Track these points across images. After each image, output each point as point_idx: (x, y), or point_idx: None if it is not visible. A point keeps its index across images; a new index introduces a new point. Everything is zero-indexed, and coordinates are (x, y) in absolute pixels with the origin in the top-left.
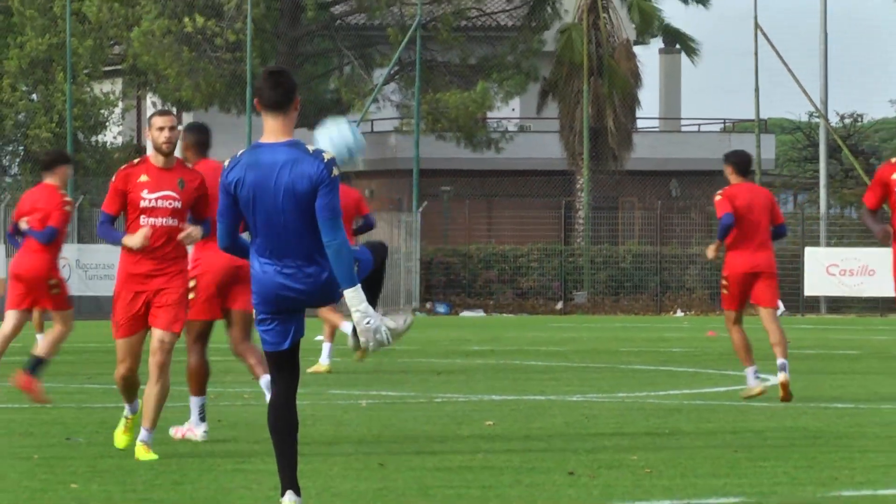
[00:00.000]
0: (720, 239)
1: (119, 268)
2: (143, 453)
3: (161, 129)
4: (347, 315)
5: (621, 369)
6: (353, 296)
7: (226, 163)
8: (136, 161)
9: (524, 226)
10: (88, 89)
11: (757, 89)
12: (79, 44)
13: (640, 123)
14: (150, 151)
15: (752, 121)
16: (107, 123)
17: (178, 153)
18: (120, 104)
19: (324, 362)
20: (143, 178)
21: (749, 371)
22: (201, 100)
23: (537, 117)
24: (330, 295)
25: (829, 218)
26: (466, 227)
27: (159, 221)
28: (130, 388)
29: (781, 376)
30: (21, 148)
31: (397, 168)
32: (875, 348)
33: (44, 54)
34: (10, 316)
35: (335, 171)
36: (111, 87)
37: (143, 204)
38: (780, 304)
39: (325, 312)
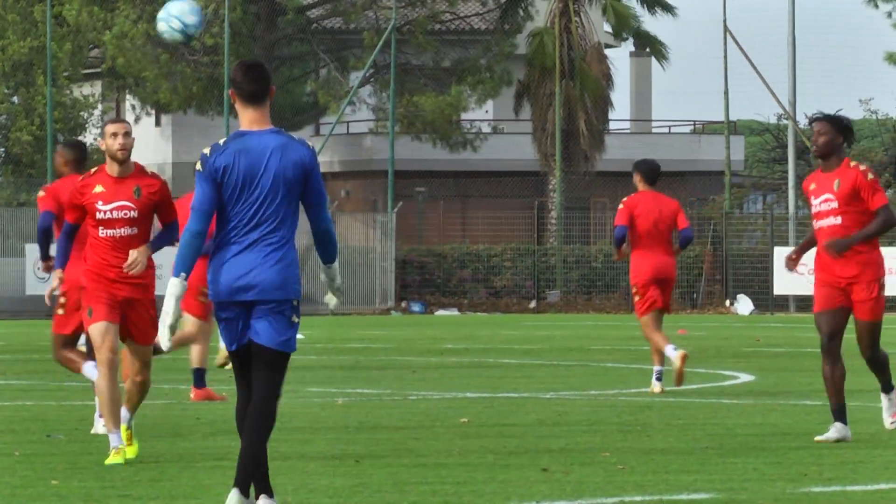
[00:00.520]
0: (616, 247)
1: (86, 266)
2: (130, 452)
3: (115, 135)
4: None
5: (593, 367)
6: (335, 269)
7: (206, 150)
8: (92, 171)
9: (498, 226)
10: (68, 92)
11: (726, 92)
12: (58, 47)
13: (611, 125)
14: (107, 163)
15: (722, 122)
16: (86, 125)
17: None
18: (99, 106)
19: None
20: (98, 188)
21: (655, 370)
22: (179, 102)
23: (510, 119)
24: (285, 288)
25: (797, 218)
26: (441, 227)
27: (118, 232)
28: (112, 380)
29: (658, 386)
30: (2, 150)
31: (373, 169)
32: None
33: (25, 57)
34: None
35: (316, 158)
36: (91, 90)
37: (98, 216)
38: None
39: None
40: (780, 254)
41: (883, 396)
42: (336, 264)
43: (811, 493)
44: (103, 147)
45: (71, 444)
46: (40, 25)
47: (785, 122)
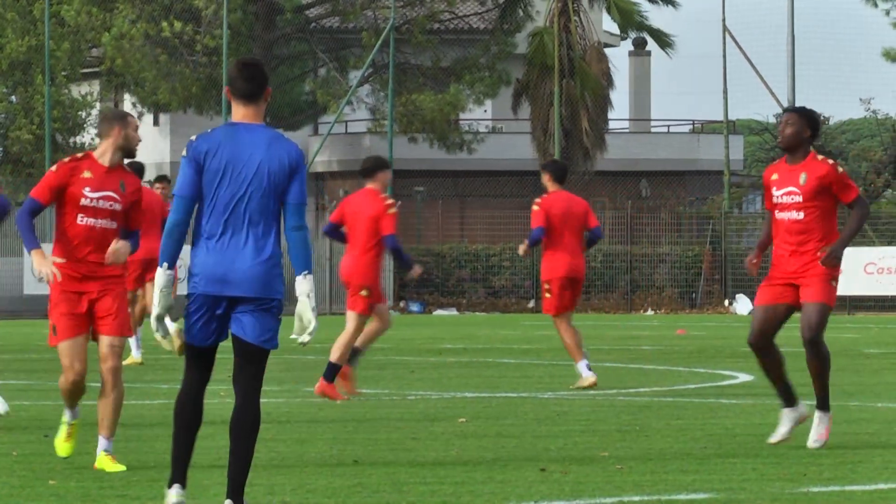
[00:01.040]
0: (530, 247)
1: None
2: (109, 464)
3: (137, 128)
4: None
5: (592, 367)
6: (307, 281)
7: (193, 137)
8: (79, 155)
9: (496, 225)
10: (67, 91)
11: (725, 91)
12: (57, 46)
13: (610, 125)
14: (98, 151)
15: (721, 122)
16: (84, 125)
17: None
18: (97, 106)
19: (136, 355)
20: (87, 174)
21: (581, 364)
22: (178, 102)
23: (509, 118)
24: (268, 286)
25: None
26: (439, 226)
27: (99, 223)
28: (77, 394)
29: (592, 376)
30: (0, 149)
31: None
32: (842, 346)
33: (23, 56)
34: (351, 318)
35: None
36: (89, 89)
37: (83, 202)
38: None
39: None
40: None
41: (817, 413)
42: (308, 279)
43: (810, 493)
44: (112, 138)
45: None
46: (39, 24)
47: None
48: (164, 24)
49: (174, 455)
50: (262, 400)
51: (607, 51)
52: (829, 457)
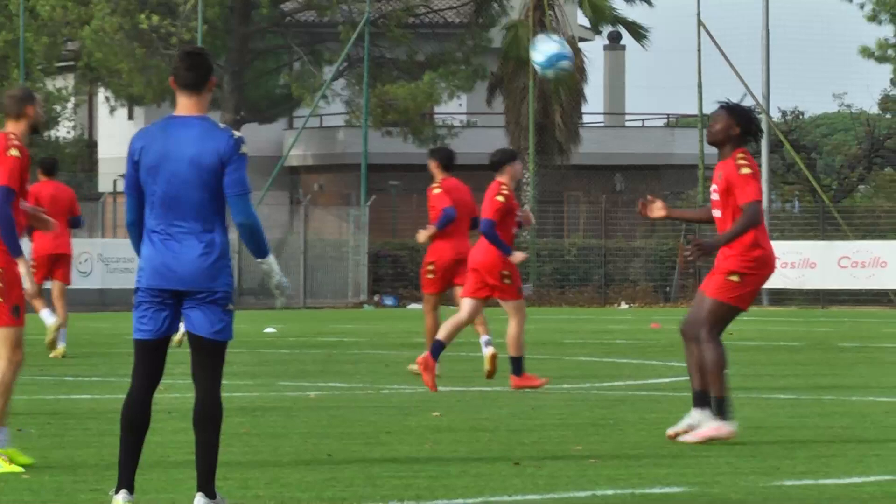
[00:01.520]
0: (439, 228)
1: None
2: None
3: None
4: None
5: (566, 360)
6: (272, 262)
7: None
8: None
9: None
10: (42, 85)
11: (700, 85)
12: (33, 40)
13: (584, 119)
14: (16, 132)
15: (696, 116)
16: (59, 119)
17: None
18: (72, 100)
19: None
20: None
21: (484, 339)
22: (153, 95)
23: (484, 112)
24: (213, 278)
25: (770, 212)
26: (414, 220)
27: None
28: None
29: (491, 349)
30: None
31: (346, 163)
32: (816, 340)
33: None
34: (466, 304)
35: (244, 149)
36: (64, 83)
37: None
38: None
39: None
40: None
41: (694, 410)
42: (271, 259)
43: (783, 487)
44: (28, 118)
45: (42, 439)
46: (15, 18)
47: (758, 115)
48: (141, 16)
49: (121, 460)
50: (236, 394)
51: (582, 45)
52: (803, 450)
